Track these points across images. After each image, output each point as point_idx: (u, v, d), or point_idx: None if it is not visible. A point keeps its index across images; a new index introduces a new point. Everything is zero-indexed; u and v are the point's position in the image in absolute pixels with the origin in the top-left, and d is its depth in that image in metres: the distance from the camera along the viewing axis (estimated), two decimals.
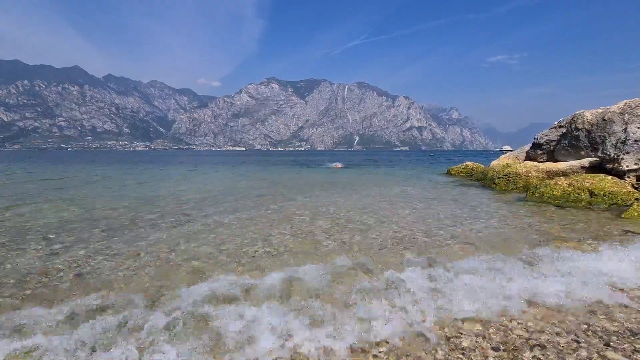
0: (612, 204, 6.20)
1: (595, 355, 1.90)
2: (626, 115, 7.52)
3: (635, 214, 5.31)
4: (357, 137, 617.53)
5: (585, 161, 8.50)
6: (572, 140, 9.39)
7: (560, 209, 6.38)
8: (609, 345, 1.99)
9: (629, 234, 4.41)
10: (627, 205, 5.80)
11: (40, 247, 4.15)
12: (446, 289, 2.76)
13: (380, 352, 1.95)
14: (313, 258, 3.69)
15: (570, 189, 6.96)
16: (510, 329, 2.21)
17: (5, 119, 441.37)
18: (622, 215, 5.36)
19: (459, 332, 2.17)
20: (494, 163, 13.02)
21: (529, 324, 2.27)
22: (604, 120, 7.96)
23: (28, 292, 2.89)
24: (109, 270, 3.39)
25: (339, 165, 21.74)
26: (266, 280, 2.99)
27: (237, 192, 9.55)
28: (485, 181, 11.38)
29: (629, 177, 6.93)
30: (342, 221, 5.58)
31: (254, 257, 3.79)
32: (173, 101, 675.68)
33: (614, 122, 7.62)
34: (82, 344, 1.96)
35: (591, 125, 8.68)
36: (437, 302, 2.53)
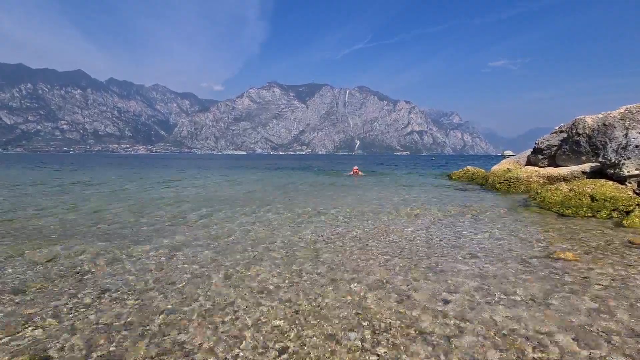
0: (614, 210, 6.17)
1: None
2: (627, 120, 7.52)
3: (637, 219, 5.28)
4: (358, 142, 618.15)
5: (586, 166, 8.48)
6: (573, 145, 9.38)
7: (561, 215, 6.35)
8: None
9: (631, 245, 4.38)
10: (629, 211, 5.77)
11: None
12: None
13: None
14: None
15: (571, 194, 6.93)
16: None
17: (8, 122, 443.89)
18: (624, 222, 5.33)
19: None
20: (495, 168, 13.00)
21: None
22: (605, 125, 7.95)
23: None
24: None
25: (360, 173, 18.68)
26: None
27: None
28: (486, 186, 11.36)
29: (630, 183, 6.90)
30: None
31: None
32: (175, 105, 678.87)
33: (614, 127, 7.61)
34: None
35: (592, 131, 8.68)
36: None
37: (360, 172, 18.67)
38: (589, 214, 6.21)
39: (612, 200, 6.33)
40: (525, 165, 12.06)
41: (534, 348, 2.09)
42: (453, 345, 2.14)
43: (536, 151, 11.38)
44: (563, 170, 8.99)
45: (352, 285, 3.09)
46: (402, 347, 2.13)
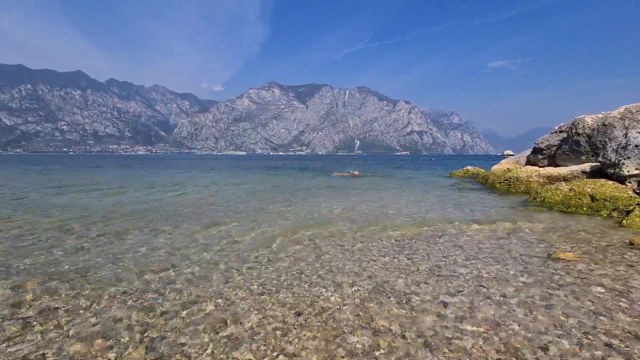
0: (614, 209, 6.16)
1: None
2: (627, 120, 7.51)
3: (637, 219, 5.27)
4: (358, 142, 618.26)
5: (586, 166, 8.47)
6: (572, 145, 9.37)
7: (562, 214, 6.34)
8: None
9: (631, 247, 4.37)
10: (629, 211, 5.76)
11: None
12: None
13: None
14: None
15: (571, 194, 6.93)
16: None
17: (8, 123, 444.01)
18: (623, 222, 5.33)
19: None
20: (495, 168, 12.99)
21: None
22: (605, 125, 7.94)
23: None
24: None
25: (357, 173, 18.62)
26: None
27: None
28: (486, 186, 11.36)
29: (630, 182, 6.89)
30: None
31: None
32: (175, 105, 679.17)
33: (614, 127, 7.61)
34: None
35: (592, 130, 8.67)
36: None
37: (357, 173, 18.93)
38: (589, 214, 6.20)
39: (612, 200, 6.33)
40: (525, 165, 12.05)
41: (533, 350, 2.08)
42: (453, 347, 2.13)
43: (536, 151, 11.37)
44: (563, 170, 8.98)
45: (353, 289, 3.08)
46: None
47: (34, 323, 2.38)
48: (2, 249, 4.15)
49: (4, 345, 2.09)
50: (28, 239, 4.61)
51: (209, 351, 2.06)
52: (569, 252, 3.93)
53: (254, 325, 2.35)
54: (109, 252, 4.05)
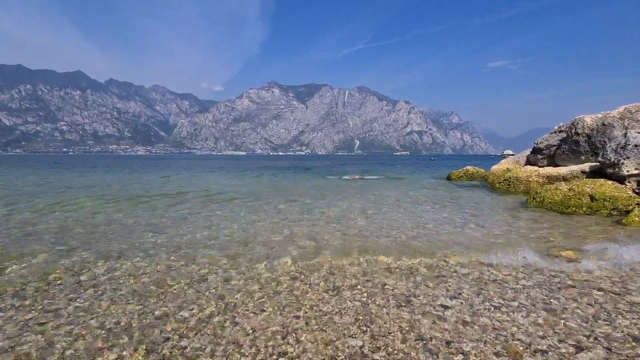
0: (613, 209, 6.17)
1: None
2: (626, 120, 7.52)
3: (636, 219, 5.27)
4: (358, 142, 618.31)
5: (586, 166, 8.48)
6: (572, 145, 9.38)
7: (561, 214, 6.35)
8: None
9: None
10: (628, 211, 5.77)
11: None
12: None
13: None
14: None
15: (570, 194, 6.93)
16: None
17: (8, 123, 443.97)
18: (623, 221, 5.33)
19: None
20: (495, 168, 12.99)
21: None
22: (604, 125, 7.96)
23: None
24: None
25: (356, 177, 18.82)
26: None
27: None
28: (486, 186, 11.36)
29: (629, 182, 6.90)
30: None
31: None
32: (174, 105, 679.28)
33: (613, 127, 7.62)
34: None
35: (591, 130, 8.69)
36: None
37: (356, 176, 18.76)
38: (589, 214, 6.21)
39: (611, 200, 6.34)
40: (525, 165, 12.06)
41: (533, 352, 2.08)
42: (453, 349, 2.14)
43: (535, 151, 11.38)
44: (562, 170, 8.98)
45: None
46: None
47: None
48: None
49: None
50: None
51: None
52: (569, 250, 3.94)
53: None
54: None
